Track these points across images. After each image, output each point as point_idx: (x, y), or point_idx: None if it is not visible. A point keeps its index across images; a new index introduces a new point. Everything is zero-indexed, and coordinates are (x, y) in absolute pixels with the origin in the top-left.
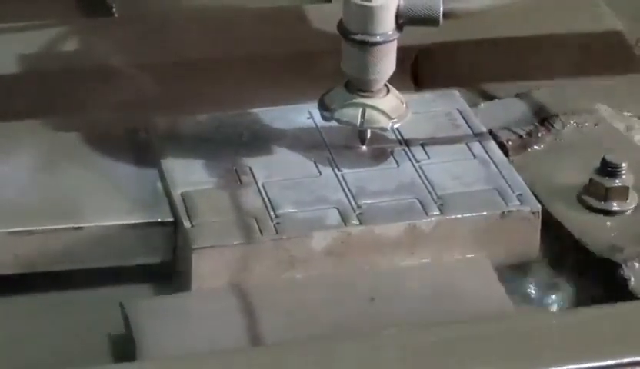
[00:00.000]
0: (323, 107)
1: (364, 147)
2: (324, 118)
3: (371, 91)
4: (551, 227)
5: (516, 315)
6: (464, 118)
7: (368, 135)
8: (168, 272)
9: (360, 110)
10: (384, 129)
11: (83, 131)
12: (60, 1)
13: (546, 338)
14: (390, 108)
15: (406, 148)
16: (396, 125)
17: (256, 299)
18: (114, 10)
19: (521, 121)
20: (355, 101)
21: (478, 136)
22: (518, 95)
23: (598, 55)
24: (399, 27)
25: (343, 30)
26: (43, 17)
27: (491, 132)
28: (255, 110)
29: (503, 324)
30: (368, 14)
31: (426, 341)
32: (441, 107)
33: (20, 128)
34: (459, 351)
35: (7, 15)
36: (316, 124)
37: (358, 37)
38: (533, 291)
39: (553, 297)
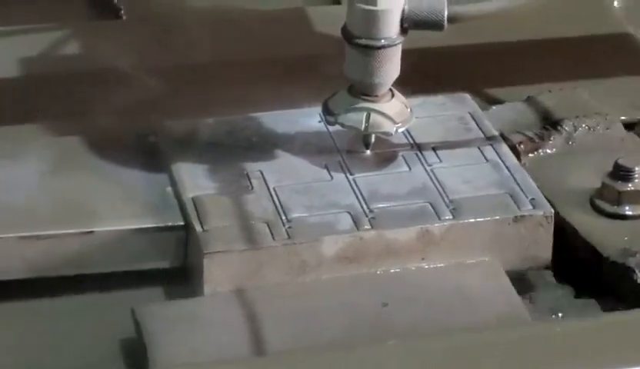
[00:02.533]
0: (327, 111)
1: (375, 151)
2: (328, 122)
3: (376, 96)
4: (563, 231)
5: (529, 321)
6: (475, 122)
7: (373, 140)
8: (179, 277)
9: (364, 114)
10: (388, 134)
11: (92, 134)
12: (68, 3)
13: (558, 346)
14: (394, 112)
15: (418, 152)
16: (400, 130)
17: (268, 304)
18: (122, 12)
19: (532, 124)
20: (359, 105)
21: (490, 139)
22: (529, 98)
23: (609, 58)
24: (404, 31)
25: (347, 34)
26: (51, 19)
27: (502, 135)
28: (265, 113)
29: (516, 331)
30: (372, 19)
31: (430, 351)
32: (453, 110)
33: (29, 132)
34: (467, 361)
35: (15, 18)
36: (327, 128)
37: (363, 41)
38: (546, 296)
39: (565, 302)
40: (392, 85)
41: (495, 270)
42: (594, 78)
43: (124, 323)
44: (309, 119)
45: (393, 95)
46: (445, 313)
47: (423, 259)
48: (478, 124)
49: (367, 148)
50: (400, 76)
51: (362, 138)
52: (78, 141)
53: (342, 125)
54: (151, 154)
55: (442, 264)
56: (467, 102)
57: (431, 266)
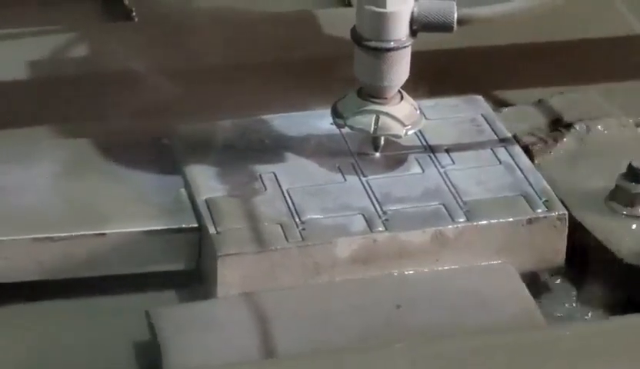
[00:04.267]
0: (336, 114)
1: (388, 153)
2: (337, 125)
3: (385, 98)
4: (577, 233)
5: (543, 324)
6: (488, 124)
7: (382, 142)
8: (193, 279)
9: (373, 117)
10: (397, 136)
11: (105, 137)
12: (79, 5)
13: (572, 349)
14: (404, 114)
15: (431, 154)
16: (410, 132)
17: (281, 306)
18: (134, 14)
19: (544, 126)
20: (368, 108)
21: (503, 141)
22: (541, 100)
23: (622, 60)
24: (413, 33)
25: (356, 36)
26: (62, 21)
27: (515, 137)
28: (278, 115)
29: (530, 334)
30: (381, 21)
31: (443, 354)
32: (466, 112)
33: (41, 134)
34: (480, 364)
35: (26, 20)
36: (340, 130)
37: (372, 43)
38: (559, 299)
39: (579, 304)
40: (402, 87)
41: (508, 272)
42: (606, 80)
43: (137, 325)
44: (322, 121)
45: (402, 98)
46: (458, 315)
47: (437, 261)
48: (490, 126)
49: (376, 151)
50: (410, 78)
51: (371, 141)
52: (91, 143)
53: (351, 128)
54: (164, 156)
55: (456, 266)
56: (480, 104)
57: (445, 268)
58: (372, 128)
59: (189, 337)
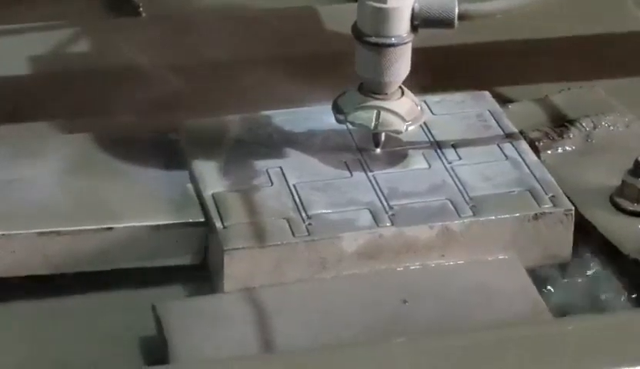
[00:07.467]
0: (337, 110)
1: (395, 149)
2: (338, 121)
3: (386, 94)
4: (583, 228)
5: (549, 318)
6: (495, 119)
7: (383, 138)
8: (199, 273)
9: (374, 113)
10: (398, 132)
11: (111, 132)
12: (87, 0)
13: (579, 343)
14: (405, 110)
15: (437, 149)
16: (411, 128)
17: (287, 301)
18: (141, 9)
19: (551, 121)
20: (369, 103)
21: (509, 137)
22: (547, 96)
23: (628, 55)
24: (414, 29)
25: (357, 32)
26: (70, 17)
27: (521, 133)
28: (284, 111)
29: (537, 328)
30: (382, 16)
31: (449, 348)
32: (472, 108)
33: (49, 129)
34: (486, 358)
35: (33, 15)
36: (347, 125)
37: (373, 39)
38: (565, 294)
39: (585, 299)
40: (406, 83)
41: (515, 268)
42: (612, 76)
43: (144, 319)
44: (328, 116)
45: (403, 93)
46: (464, 310)
47: (443, 256)
48: (497, 122)
49: (377, 147)
50: (416, 74)
51: (372, 137)
52: (98, 138)
53: (352, 124)
54: (171, 151)
55: (462, 261)
56: (486, 100)
57: (451, 263)
58: (373, 124)
59: (196, 332)
